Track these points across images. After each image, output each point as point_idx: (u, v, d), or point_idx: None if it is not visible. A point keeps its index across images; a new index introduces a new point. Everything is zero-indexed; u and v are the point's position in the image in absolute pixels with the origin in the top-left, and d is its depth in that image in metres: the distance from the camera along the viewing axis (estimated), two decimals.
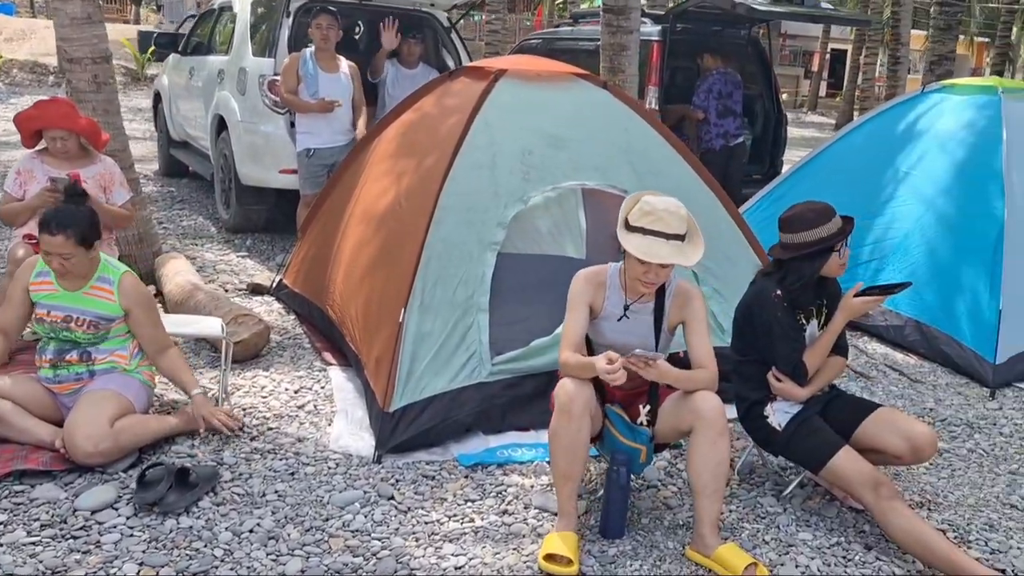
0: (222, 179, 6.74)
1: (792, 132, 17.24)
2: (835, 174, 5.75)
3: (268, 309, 4.89)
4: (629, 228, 2.67)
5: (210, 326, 3.58)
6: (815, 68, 29.42)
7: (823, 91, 29.89)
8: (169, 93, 8.46)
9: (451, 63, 6.95)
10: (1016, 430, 3.94)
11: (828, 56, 29.44)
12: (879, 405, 3.00)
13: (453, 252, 3.53)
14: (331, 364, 4.02)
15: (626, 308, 2.79)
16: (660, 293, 2.80)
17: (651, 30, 7.55)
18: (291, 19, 6.08)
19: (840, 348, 3.02)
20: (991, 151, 4.97)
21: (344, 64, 5.74)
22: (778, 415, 2.93)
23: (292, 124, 5.98)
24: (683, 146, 4.22)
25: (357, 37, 7.19)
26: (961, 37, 28.61)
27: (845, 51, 35.28)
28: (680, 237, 2.65)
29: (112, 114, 4.84)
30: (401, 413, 3.21)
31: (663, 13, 7.98)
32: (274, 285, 5.12)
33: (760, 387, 2.97)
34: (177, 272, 4.76)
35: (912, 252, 5.03)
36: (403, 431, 3.18)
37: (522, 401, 3.42)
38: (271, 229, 6.76)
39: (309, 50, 5.70)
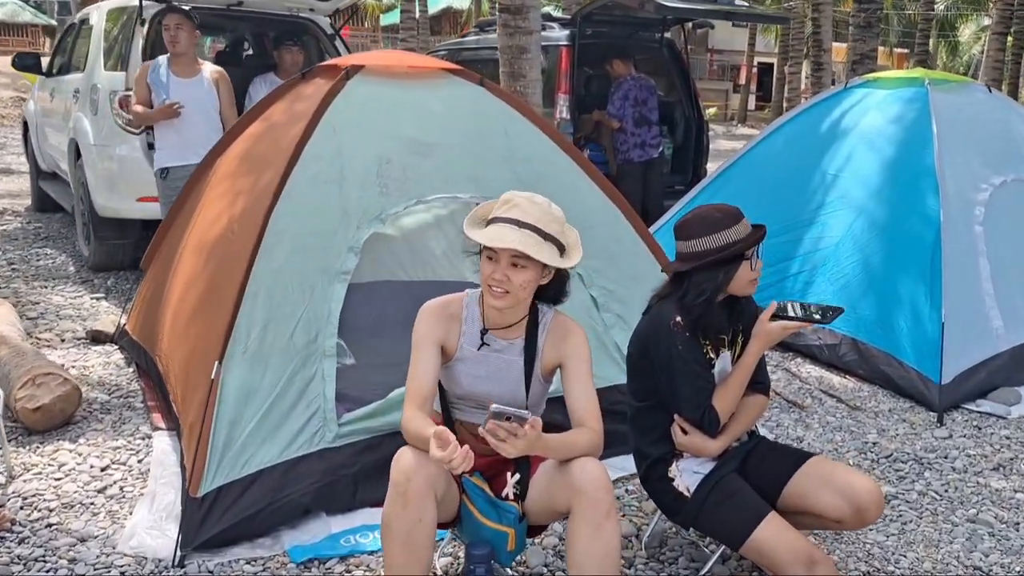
0: (82, 211, 5.96)
1: (723, 144, 17.05)
2: (756, 181, 5.24)
3: (105, 361, 4.13)
4: (487, 223, 2.08)
5: None
6: (742, 81, 29.53)
7: (752, 104, 30.01)
8: (35, 119, 7.63)
9: None
10: (970, 463, 3.40)
11: (756, 69, 29.59)
12: (810, 455, 2.40)
13: (289, 286, 2.85)
14: (159, 428, 3.29)
15: (483, 334, 2.16)
16: (532, 328, 2.17)
17: (559, 35, 7.03)
18: (147, 27, 5.36)
19: (759, 384, 2.43)
20: (922, 146, 4.50)
21: (206, 69, 5.01)
22: (685, 476, 2.31)
23: (151, 146, 5.25)
24: (575, 150, 3.63)
25: (227, 49, 6.48)
26: (880, 48, 29.16)
27: (772, 64, 35.75)
28: (541, 233, 2.03)
29: None
30: (215, 497, 2.50)
31: (570, 17, 7.46)
32: (118, 332, 4.36)
33: (662, 441, 2.35)
34: None
35: (844, 262, 4.51)
36: (216, 521, 2.47)
37: (378, 469, 2.73)
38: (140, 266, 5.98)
39: (165, 57, 4.99)
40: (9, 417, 3.32)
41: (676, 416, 2.30)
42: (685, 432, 2.28)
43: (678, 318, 2.26)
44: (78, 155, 5.90)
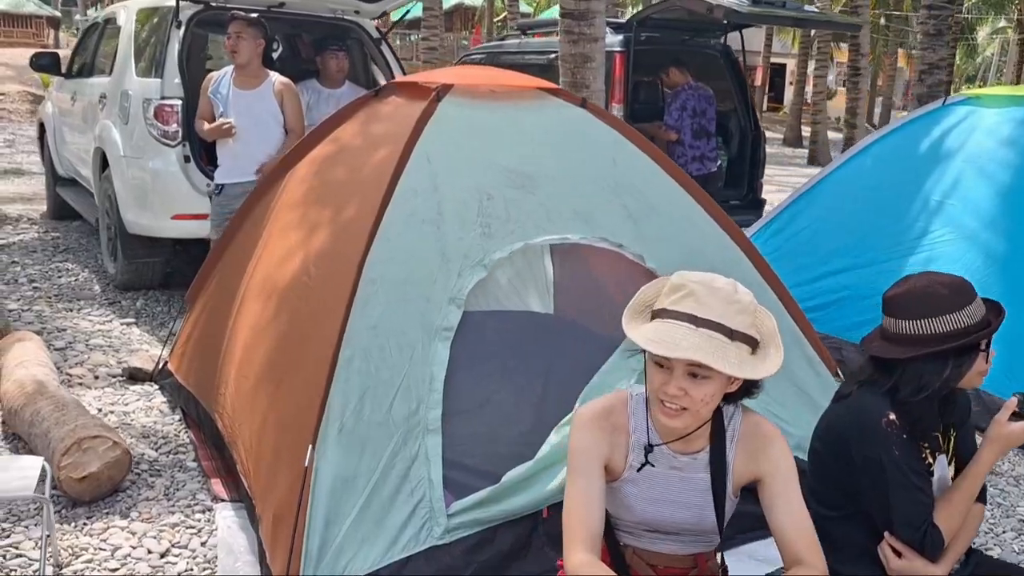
0: (108, 225, 5.53)
1: None
2: (843, 204, 4.83)
3: (146, 405, 3.72)
4: (653, 316, 1.65)
5: (21, 478, 2.36)
6: (758, 82, 29.08)
7: (764, 105, 29.55)
8: (53, 122, 7.20)
9: (383, 80, 5.87)
10: None
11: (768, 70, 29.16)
12: None
13: (386, 347, 2.43)
14: (221, 499, 2.87)
15: (647, 451, 1.72)
16: (717, 435, 1.74)
17: (612, 40, 6.59)
18: (183, 30, 4.93)
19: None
20: None
21: (271, 80, 4.60)
22: None
23: (188, 159, 4.84)
24: (689, 180, 3.20)
25: (276, 55, 6.03)
26: (899, 50, 28.65)
27: (783, 65, 35.23)
28: (726, 330, 1.60)
29: None
30: None
31: (624, 21, 7.04)
32: (158, 370, 3.95)
33: (862, 561, 1.93)
34: (21, 362, 3.56)
35: None
36: None
37: (494, 568, 2.33)
38: (171, 285, 5.57)
39: (232, 67, 4.58)
40: (51, 486, 2.90)
41: (887, 535, 1.88)
42: (898, 554, 1.87)
43: (891, 415, 1.85)
44: (104, 165, 5.49)
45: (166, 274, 5.52)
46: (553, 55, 7.10)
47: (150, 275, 5.43)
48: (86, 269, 5.97)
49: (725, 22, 6.70)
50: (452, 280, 2.58)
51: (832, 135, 19.44)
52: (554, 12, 28.67)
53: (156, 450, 3.28)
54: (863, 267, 4.44)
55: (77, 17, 36.01)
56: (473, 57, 8.58)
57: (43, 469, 2.40)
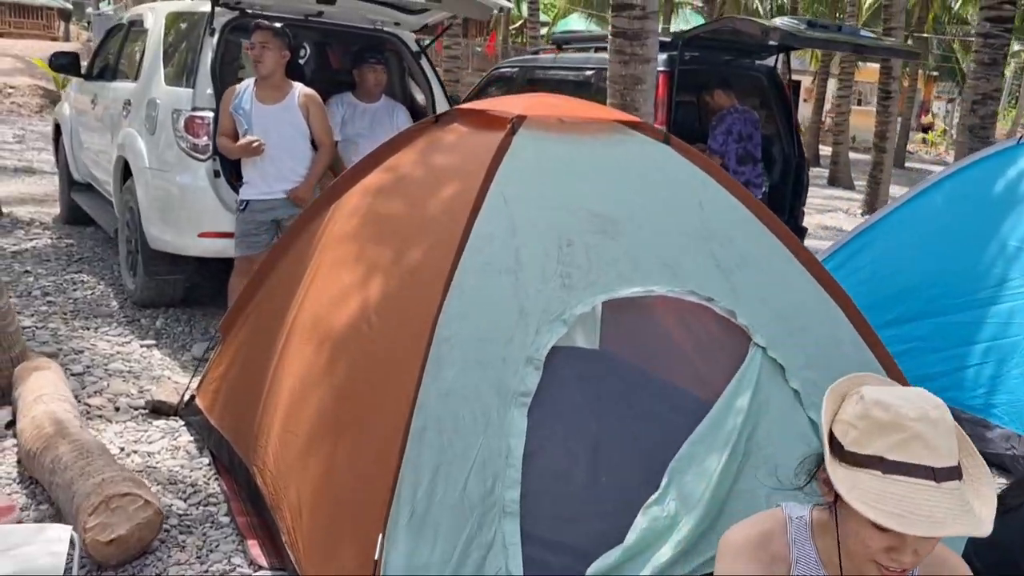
0: (128, 238, 5.27)
1: None
2: (912, 245, 4.55)
3: (172, 444, 3.45)
4: (848, 458, 1.36)
5: (50, 553, 2.08)
6: None
7: None
8: (70, 124, 6.94)
9: (420, 96, 5.62)
10: None
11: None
12: None
13: (460, 415, 2.16)
14: (260, 566, 2.60)
15: None
16: None
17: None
18: (216, 38, 4.67)
19: None
20: None
21: (295, 92, 4.38)
22: None
23: (217, 173, 4.58)
24: (781, 225, 2.92)
25: (303, 61, 5.77)
26: (907, 68, 28.39)
27: (798, 82, 34.98)
28: (953, 472, 1.33)
29: None
30: None
31: (669, 40, 6.78)
32: (183, 403, 3.68)
33: None
34: (39, 396, 3.29)
35: None
36: None
37: None
38: (193, 301, 5.31)
39: (252, 79, 4.34)
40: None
41: None
42: None
43: None
44: (126, 175, 5.23)
45: (188, 289, 5.26)
46: (590, 72, 6.86)
47: (171, 292, 5.17)
48: (102, 282, 5.71)
49: (776, 44, 6.46)
50: (530, 338, 2.31)
51: (851, 155, 19.18)
52: (570, 22, 28.41)
53: (185, 500, 3.01)
54: (935, 316, 4.17)
55: (89, 10, 35.78)
56: (504, 71, 8.31)
57: (72, 541, 2.12)
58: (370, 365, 2.38)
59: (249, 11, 4.78)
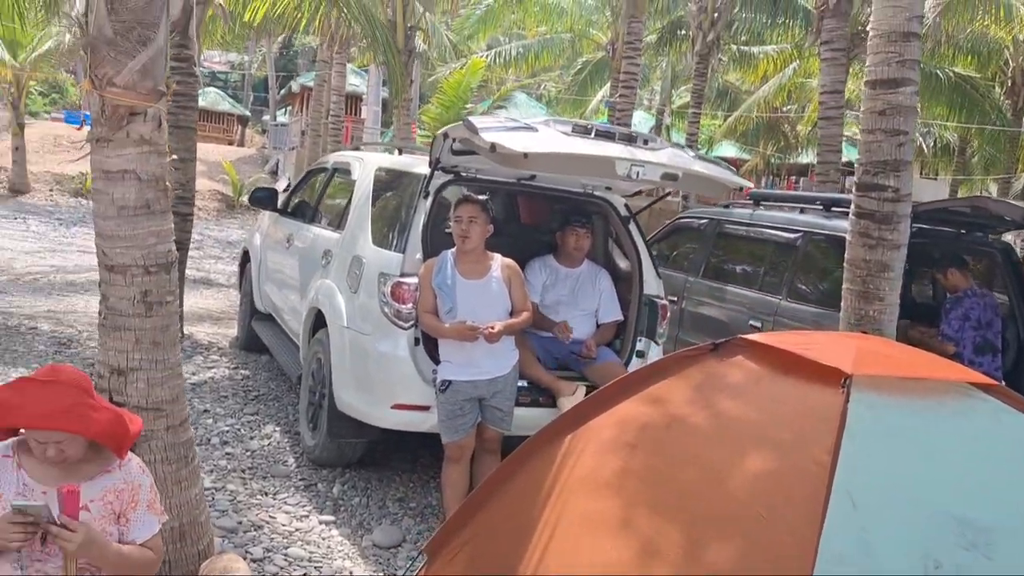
0: (311, 390, 5.04)
1: None
2: None
3: None
4: None
5: None
6: None
7: None
8: (260, 256, 7.00)
9: (623, 264, 5.25)
10: None
11: None
12: None
13: None
14: None
15: None
16: None
17: None
18: (430, 201, 4.47)
19: None
20: None
21: (495, 265, 4.11)
22: None
23: (417, 341, 4.29)
24: None
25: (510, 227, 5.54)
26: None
27: None
28: None
29: (165, 348, 3.12)
30: None
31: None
32: None
33: None
34: None
35: None
36: None
37: None
38: (370, 463, 4.99)
39: (451, 252, 4.09)
40: None
41: None
42: None
43: None
44: (317, 326, 5.06)
45: (368, 450, 4.94)
46: (795, 235, 6.34)
47: (351, 454, 4.87)
48: (278, 428, 5.50)
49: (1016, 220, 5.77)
50: None
51: None
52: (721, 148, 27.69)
53: None
54: None
55: (266, 118, 38.68)
56: (690, 221, 7.92)
57: None
58: None
59: (464, 175, 4.59)
